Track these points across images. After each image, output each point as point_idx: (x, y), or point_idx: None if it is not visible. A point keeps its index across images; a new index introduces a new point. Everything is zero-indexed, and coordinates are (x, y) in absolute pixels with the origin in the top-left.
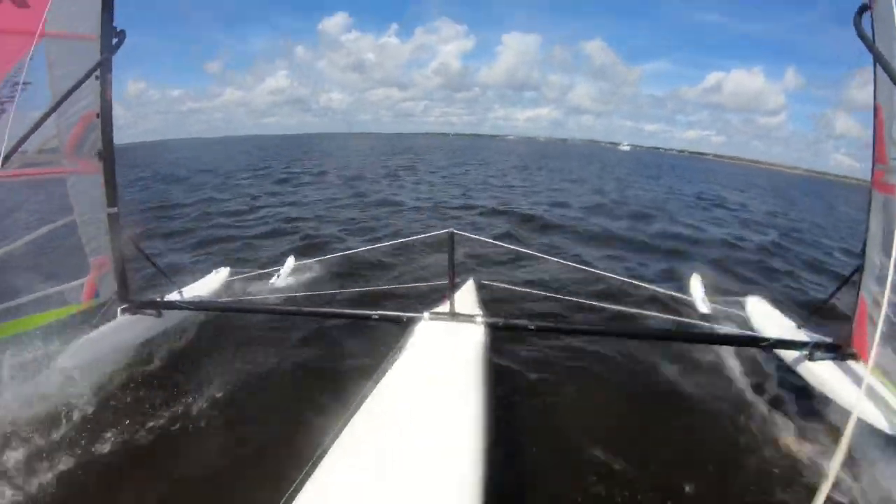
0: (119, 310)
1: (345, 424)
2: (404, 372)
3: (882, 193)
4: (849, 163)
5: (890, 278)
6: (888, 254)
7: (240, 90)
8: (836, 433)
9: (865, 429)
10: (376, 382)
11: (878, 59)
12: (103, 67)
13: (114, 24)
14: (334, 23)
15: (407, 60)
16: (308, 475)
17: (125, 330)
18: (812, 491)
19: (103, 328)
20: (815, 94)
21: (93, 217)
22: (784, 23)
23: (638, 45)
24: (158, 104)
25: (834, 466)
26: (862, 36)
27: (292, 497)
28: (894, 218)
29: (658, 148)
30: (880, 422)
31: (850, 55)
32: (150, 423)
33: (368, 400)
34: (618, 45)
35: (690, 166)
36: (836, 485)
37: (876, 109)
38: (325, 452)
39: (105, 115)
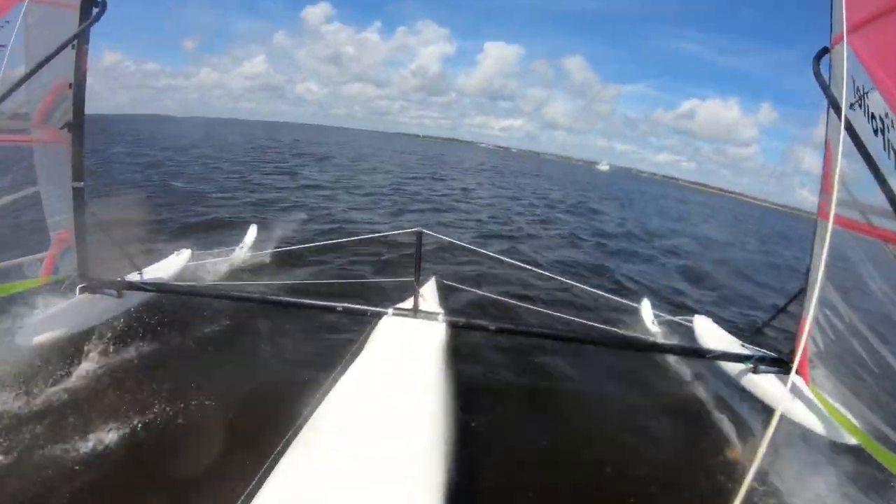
0: (78, 288)
1: (305, 420)
2: (366, 368)
3: (826, 221)
4: (812, 199)
5: (814, 301)
6: (828, 277)
7: (216, 71)
8: (775, 440)
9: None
10: (338, 377)
11: (830, 100)
12: (81, 38)
13: None
14: (317, 12)
15: (386, 58)
16: (267, 474)
17: (83, 309)
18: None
19: (61, 306)
20: (785, 130)
21: (57, 190)
22: (762, 58)
23: (617, 66)
24: (133, 77)
25: (755, 460)
26: (818, 77)
27: (250, 498)
28: (837, 245)
29: (631, 169)
30: (812, 424)
31: (821, 97)
32: (100, 408)
33: (329, 395)
34: (597, 63)
35: (669, 194)
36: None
37: (826, 145)
38: (284, 449)
39: (78, 87)
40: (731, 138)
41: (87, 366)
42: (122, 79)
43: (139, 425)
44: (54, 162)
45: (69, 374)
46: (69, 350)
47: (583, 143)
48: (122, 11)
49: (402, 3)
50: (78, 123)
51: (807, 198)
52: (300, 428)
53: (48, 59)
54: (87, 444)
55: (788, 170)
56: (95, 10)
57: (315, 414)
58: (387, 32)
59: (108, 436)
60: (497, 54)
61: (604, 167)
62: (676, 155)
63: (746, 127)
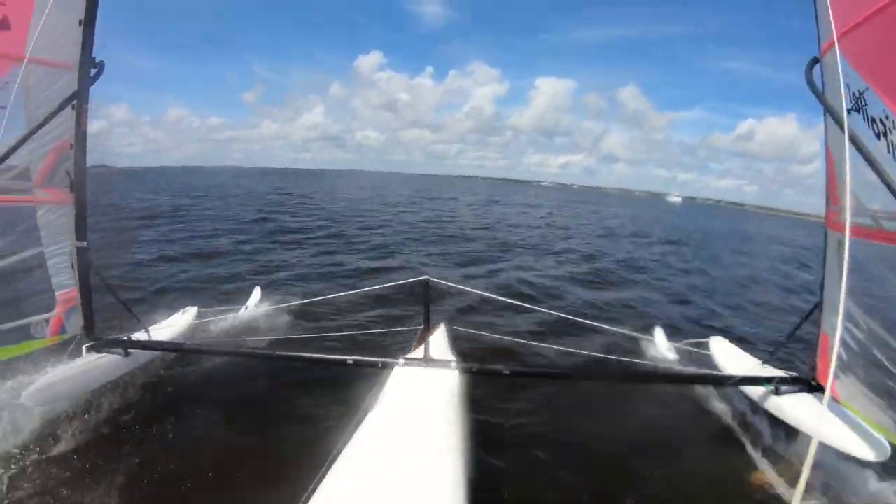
0: (85, 347)
1: (321, 478)
2: (380, 423)
3: (835, 232)
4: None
5: (842, 312)
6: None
7: (276, 122)
8: (803, 462)
9: (838, 456)
10: (351, 434)
11: (827, 108)
12: (80, 98)
13: (93, 54)
14: (370, 60)
15: (439, 103)
16: None
17: (91, 369)
18: None
19: (68, 366)
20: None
21: (61, 250)
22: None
23: (670, 93)
24: (197, 132)
25: (798, 490)
26: (812, 86)
27: None
28: (850, 255)
29: (695, 198)
30: (850, 447)
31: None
32: (111, 470)
33: (345, 451)
34: (650, 91)
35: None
36: None
37: (827, 155)
38: None
39: (79, 146)
40: (792, 156)
41: (96, 425)
42: (188, 132)
43: (147, 485)
44: (57, 222)
45: (77, 433)
46: (77, 410)
47: (644, 175)
48: (184, 69)
49: (450, 46)
50: (80, 183)
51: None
52: (317, 487)
53: (47, 120)
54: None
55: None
56: (94, 71)
57: (330, 472)
58: (439, 77)
59: (116, 495)
60: (549, 89)
61: (674, 199)
62: (738, 179)
63: (807, 141)
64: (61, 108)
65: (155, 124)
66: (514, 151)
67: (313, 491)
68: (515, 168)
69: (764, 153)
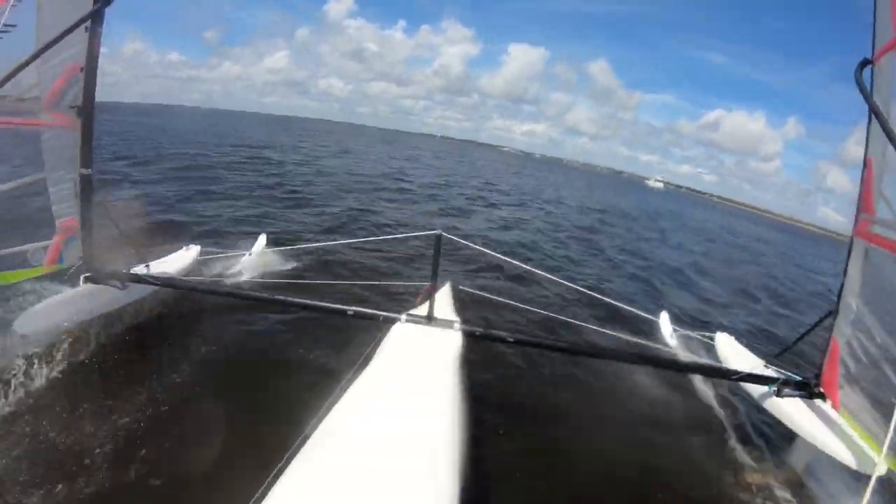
0: (82, 278)
1: (314, 427)
2: (377, 375)
3: (864, 241)
4: (834, 217)
5: (849, 323)
6: (864, 300)
7: (238, 64)
8: (797, 466)
9: (831, 465)
10: (348, 384)
11: (875, 113)
12: (94, 19)
13: None
14: (340, 7)
15: (409, 56)
16: (274, 480)
17: (87, 299)
18: None
19: (64, 295)
20: (811, 145)
21: (65, 176)
22: (790, 74)
23: (640, 74)
24: (155, 67)
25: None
26: (861, 88)
27: (259, 501)
28: (878, 267)
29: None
30: (844, 457)
31: (849, 113)
32: (98, 402)
33: (339, 402)
34: (621, 69)
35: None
36: None
37: (866, 162)
38: (293, 455)
39: (90, 71)
40: (756, 152)
41: (88, 357)
42: (146, 68)
43: (140, 423)
44: (62, 148)
45: (69, 364)
46: (70, 339)
47: (607, 151)
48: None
49: (425, 1)
50: (88, 108)
51: (829, 216)
52: (309, 434)
53: (58, 39)
54: (83, 440)
55: (812, 187)
56: None
57: (324, 421)
58: (410, 31)
59: (105, 432)
60: (521, 56)
61: (656, 184)
62: (698, 167)
63: (771, 141)
64: (73, 27)
65: (111, 57)
66: (479, 115)
67: (303, 442)
68: (479, 132)
69: (728, 144)
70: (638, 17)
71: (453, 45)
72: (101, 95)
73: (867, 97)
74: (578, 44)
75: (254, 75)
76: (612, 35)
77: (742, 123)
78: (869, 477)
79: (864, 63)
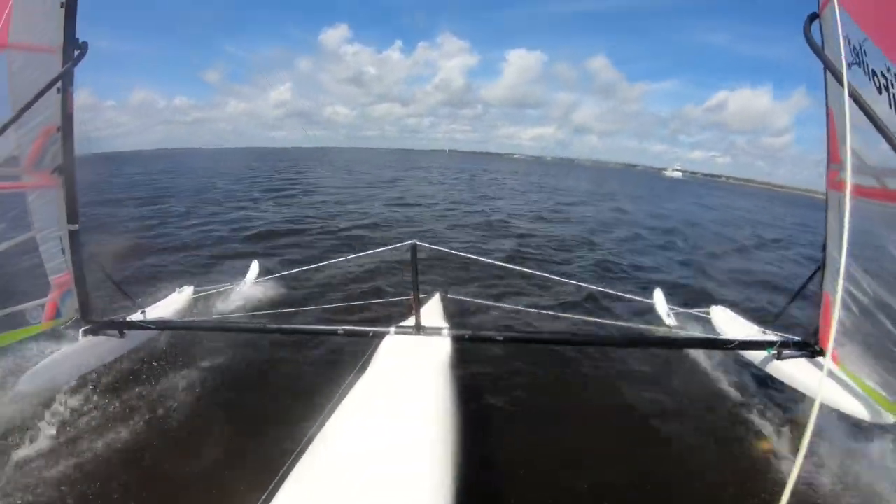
0: (81, 331)
1: (308, 442)
2: (369, 387)
3: (836, 192)
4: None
5: (842, 272)
6: (847, 250)
7: (243, 101)
8: (807, 428)
9: (835, 419)
10: (341, 398)
11: (826, 65)
12: (65, 80)
13: (76, 36)
14: (335, 34)
15: (408, 75)
16: (271, 497)
17: (87, 352)
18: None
19: (65, 350)
20: (822, 114)
21: (53, 234)
22: (791, 44)
23: (642, 64)
24: (163, 113)
25: (801, 452)
26: (811, 44)
27: None
28: (851, 214)
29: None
30: (851, 408)
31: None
32: (114, 447)
33: (332, 416)
34: (622, 62)
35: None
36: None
37: (828, 113)
38: (288, 471)
39: (66, 129)
40: (766, 128)
41: (94, 407)
42: (155, 115)
43: (147, 456)
44: (48, 206)
45: (75, 416)
46: (75, 393)
47: (616, 146)
48: (151, 50)
49: (417, 19)
50: (68, 166)
51: None
52: (303, 450)
53: (31, 104)
54: (95, 484)
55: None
56: (77, 53)
57: (318, 435)
58: (407, 49)
59: (116, 470)
60: (520, 62)
61: (673, 173)
62: (710, 150)
63: (780, 115)
64: (45, 90)
65: (120, 109)
66: (485, 125)
67: (299, 455)
68: (487, 142)
69: (735, 124)
70: (629, 8)
71: (451, 59)
72: (118, 145)
73: (818, 51)
74: (575, 42)
75: (262, 111)
76: (608, 29)
77: (748, 100)
78: (881, 427)
79: (813, 17)
